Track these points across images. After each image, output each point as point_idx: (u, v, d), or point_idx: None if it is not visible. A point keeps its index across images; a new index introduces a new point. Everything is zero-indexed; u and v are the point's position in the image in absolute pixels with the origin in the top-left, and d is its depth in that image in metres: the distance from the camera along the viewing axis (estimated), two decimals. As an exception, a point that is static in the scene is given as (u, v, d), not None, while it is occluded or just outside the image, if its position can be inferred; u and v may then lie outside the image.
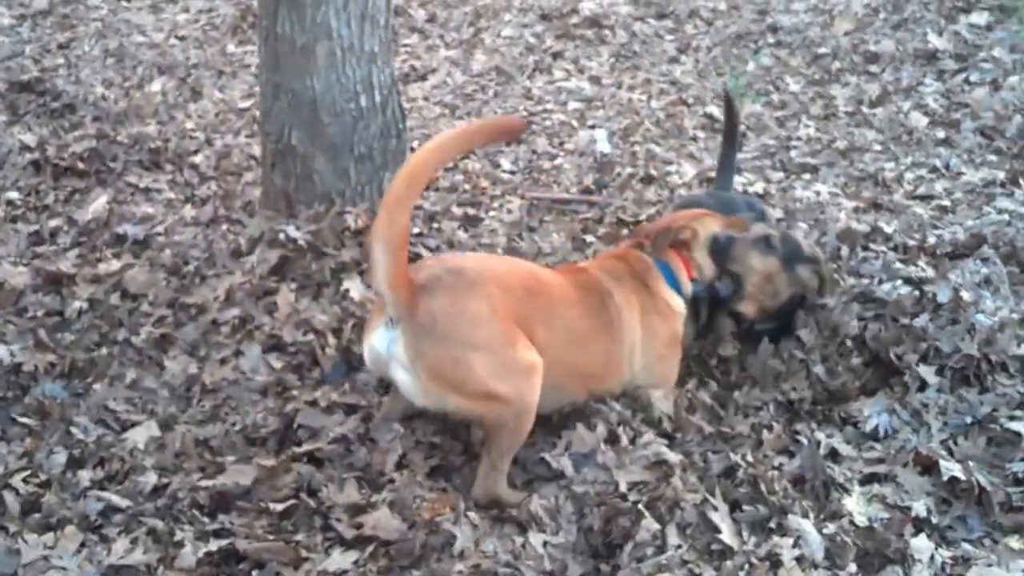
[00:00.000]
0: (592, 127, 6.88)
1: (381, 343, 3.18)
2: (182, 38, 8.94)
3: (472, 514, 3.10)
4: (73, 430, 3.58)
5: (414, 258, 4.52)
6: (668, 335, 3.75)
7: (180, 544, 3.01)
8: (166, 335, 4.17)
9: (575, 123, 7.02)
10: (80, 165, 5.74)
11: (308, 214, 4.63)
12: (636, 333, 3.65)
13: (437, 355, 3.10)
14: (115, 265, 4.59)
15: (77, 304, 4.35)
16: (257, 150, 5.62)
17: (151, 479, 3.34)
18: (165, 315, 4.29)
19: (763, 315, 4.00)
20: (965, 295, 3.87)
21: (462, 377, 3.12)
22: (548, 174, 6.23)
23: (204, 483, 3.27)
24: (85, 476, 3.36)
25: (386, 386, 3.59)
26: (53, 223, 5.14)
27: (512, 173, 6.29)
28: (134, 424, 3.67)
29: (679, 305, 3.79)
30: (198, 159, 6.16)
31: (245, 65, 8.12)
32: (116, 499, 3.23)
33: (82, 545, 3.03)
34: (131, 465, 3.42)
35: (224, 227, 4.97)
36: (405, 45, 8.79)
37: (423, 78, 8.13)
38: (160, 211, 5.28)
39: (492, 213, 5.58)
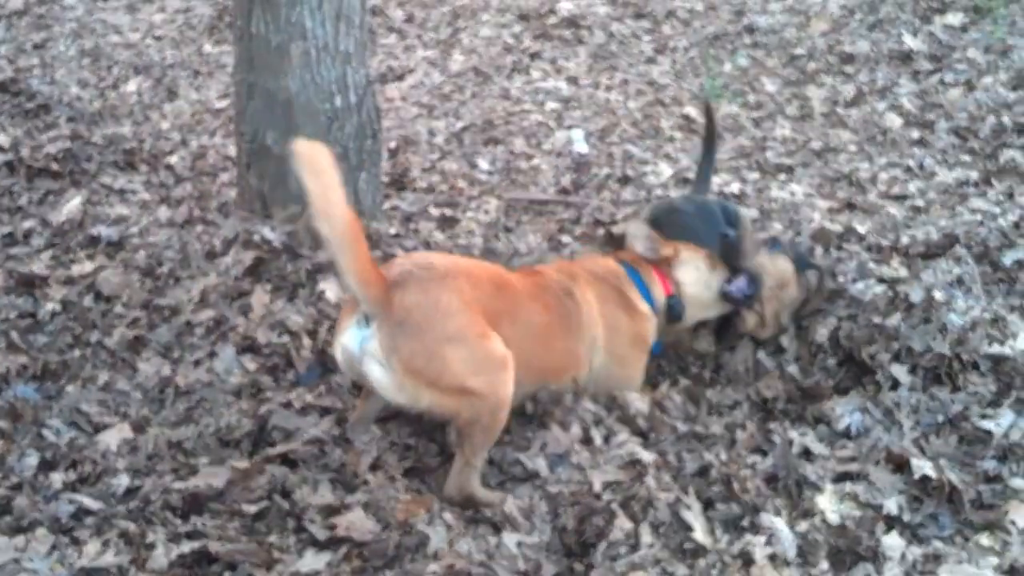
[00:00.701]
0: (569, 128, 6.89)
1: (353, 341, 3.19)
2: (158, 38, 8.89)
3: (446, 515, 3.11)
4: (45, 432, 3.56)
5: (390, 259, 4.53)
6: (632, 335, 3.79)
7: (152, 546, 2.99)
8: (139, 337, 4.15)
9: (552, 124, 7.02)
10: (54, 166, 5.70)
11: (283, 215, 4.63)
12: (597, 327, 3.70)
13: (412, 348, 3.12)
14: (88, 267, 4.56)
15: (50, 306, 4.33)
16: (233, 150, 5.61)
17: (123, 481, 3.32)
18: (139, 317, 4.27)
19: (778, 328, 4.06)
20: (937, 295, 3.90)
21: (438, 370, 3.14)
22: (525, 175, 6.23)
23: (177, 485, 3.25)
24: (57, 478, 3.33)
25: (360, 387, 3.58)
26: (27, 224, 5.09)
27: (490, 174, 6.29)
28: (107, 426, 3.64)
29: (646, 309, 3.83)
30: (173, 160, 6.13)
31: (222, 65, 8.09)
32: (88, 501, 3.21)
33: (53, 548, 3.01)
34: (103, 467, 3.40)
35: (199, 228, 4.94)
36: (383, 45, 8.78)
37: (400, 78, 8.12)
38: (135, 212, 5.25)
39: (469, 214, 5.58)
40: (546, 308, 3.57)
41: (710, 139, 5.05)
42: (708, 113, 5.08)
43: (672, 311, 3.89)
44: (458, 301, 3.21)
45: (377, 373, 3.16)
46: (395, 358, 3.12)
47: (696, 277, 3.94)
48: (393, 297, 3.12)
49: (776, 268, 3.98)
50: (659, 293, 3.88)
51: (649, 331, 3.85)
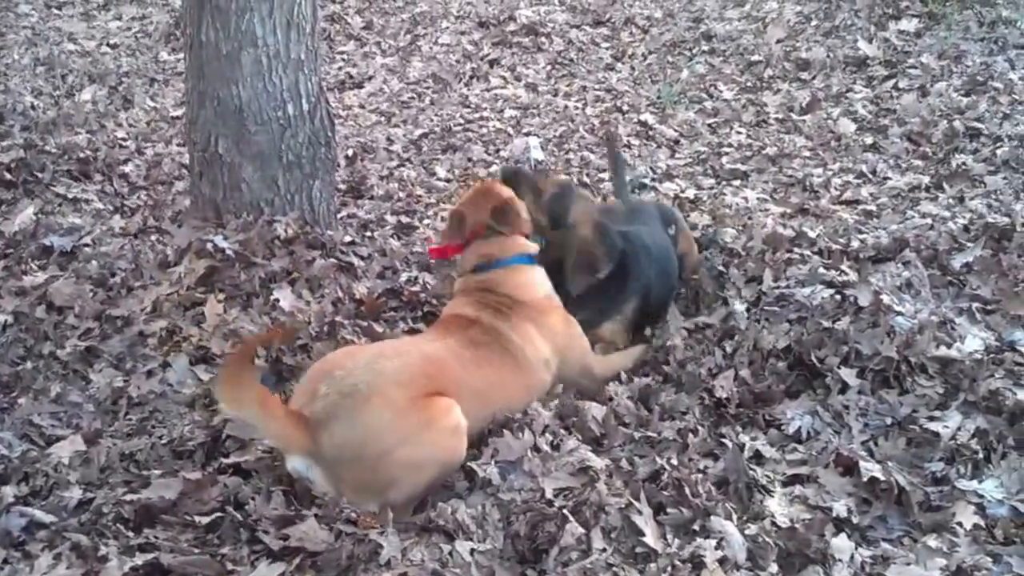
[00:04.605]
0: (527, 134, 6.91)
1: (300, 466, 3.20)
2: (114, 46, 8.85)
3: (399, 523, 3.10)
4: (-4, 445, 3.52)
5: (347, 267, 4.53)
6: (559, 317, 3.94)
7: (105, 559, 2.95)
8: (92, 348, 4.12)
9: (511, 130, 7.05)
10: (7, 175, 5.66)
11: (236, 223, 4.61)
12: (537, 343, 3.78)
13: (355, 475, 3.15)
14: (41, 277, 4.53)
15: (2, 318, 4.28)
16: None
17: (76, 494, 3.29)
18: (91, 328, 4.24)
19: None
20: (885, 298, 3.93)
21: (387, 478, 3.16)
22: (483, 181, 6.24)
23: (129, 497, 3.22)
24: (9, 492, 3.29)
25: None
26: (-22, 235, 5.05)
27: (447, 181, 6.30)
28: (59, 439, 3.61)
29: (537, 277, 3.97)
30: (128, 168, 6.10)
31: (178, 73, 8.06)
32: (40, 515, 3.18)
33: (5, 562, 2.98)
34: (55, 480, 3.37)
35: (153, 237, 4.92)
36: (341, 52, 8.78)
37: (359, 85, 8.12)
38: (88, 222, 5.22)
39: (426, 221, 5.58)
40: (487, 356, 3.63)
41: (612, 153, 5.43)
42: (608, 137, 5.31)
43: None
44: (389, 415, 3.17)
45: (331, 493, 3.17)
46: (343, 486, 3.15)
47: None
48: (322, 436, 3.11)
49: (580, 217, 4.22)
50: (531, 245, 4.00)
51: (545, 283, 4.00)
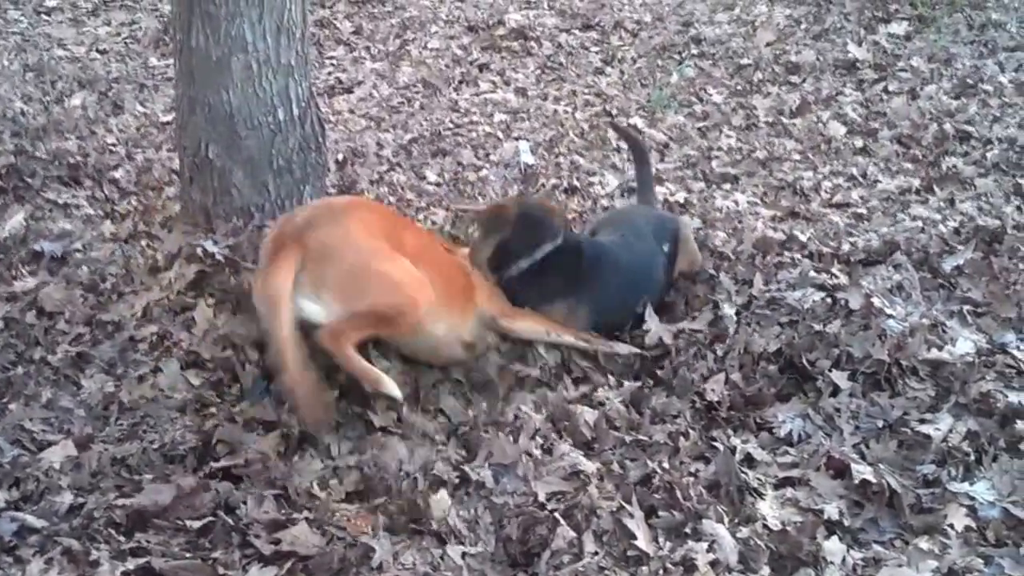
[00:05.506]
0: (517, 139, 6.90)
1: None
2: (103, 51, 8.79)
3: (391, 527, 3.10)
4: (-12, 451, 3.51)
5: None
6: None
7: (96, 563, 2.96)
8: (83, 353, 4.10)
9: (500, 135, 7.04)
10: (-3, 181, 5.64)
11: (226, 228, 4.60)
12: None
13: (339, 274, 3.38)
14: (31, 283, 4.51)
15: (-9, 323, 4.27)
16: (179, 164, 5.57)
17: (67, 499, 3.28)
18: (82, 333, 4.22)
19: None
20: (876, 301, 3.95)
21: (366, 283, 3.39)
22: (473, 186, 6.24)
23: (121, 502, 3.22)
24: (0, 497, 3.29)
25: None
26: (-32, 241, 5.03)
27: (437, 185, 6.29)
28: (50, 444, 3.59)
29: None
30: (118, 174, 6.06)
31: (168, 78, 8.00)
32: (31, 519, 3.17)
33: (-5, 567, 2.98)
34: (47, 485, 3.35)
35: (143, 243, 4.91)
36: (330, 58, 8.75)
37: (349, 91, 8.09)
38: (78, 227, 5.19)
39: (417, 225, 5.57)
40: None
41: (637, 149, 5.37)
42: (621, 130, 5.28)
43: None
44: (364, 229, 3.52)
45: (313, 309, 3.38)
46: (326, 290, 3.37)
47: None
48: (306, 238, 3.37)
49: None
50: None
51: None
